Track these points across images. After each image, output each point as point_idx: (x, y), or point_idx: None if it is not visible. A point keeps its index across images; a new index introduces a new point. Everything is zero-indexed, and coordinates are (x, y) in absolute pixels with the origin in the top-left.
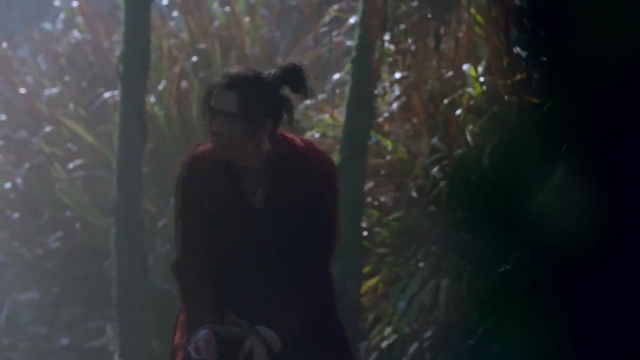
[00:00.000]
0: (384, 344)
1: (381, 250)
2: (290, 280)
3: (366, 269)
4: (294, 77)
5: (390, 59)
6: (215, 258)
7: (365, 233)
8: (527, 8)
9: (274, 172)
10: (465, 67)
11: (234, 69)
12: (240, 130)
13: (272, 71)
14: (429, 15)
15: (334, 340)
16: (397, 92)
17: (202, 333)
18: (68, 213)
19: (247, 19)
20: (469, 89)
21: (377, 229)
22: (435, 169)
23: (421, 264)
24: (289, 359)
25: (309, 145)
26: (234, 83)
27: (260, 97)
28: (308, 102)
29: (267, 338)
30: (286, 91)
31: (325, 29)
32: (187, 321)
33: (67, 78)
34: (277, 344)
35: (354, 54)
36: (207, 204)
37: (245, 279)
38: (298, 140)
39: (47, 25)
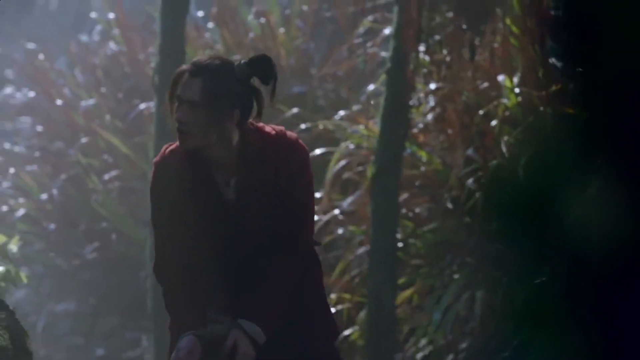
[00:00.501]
0: (419, 356)
1: (416, 261)
2: (271, 269)
3: (401, 281)
4: (263, 68)
5: (425, 70)
6: (194, 255)
7: (400, 244)
8: (563, 18)
9: (244, 161)
10: (501, 78)
11: (202, 57)
12: (204, 119)
13: (242, 61)
14: (464, 26)
15: (320, 321)
16: (432, 103)
17: (184, 342)
18: (104, 224)
19: (282, 30)
20: (504, 100)
21: (411, 240)
22: (470, 180)
23: (456, 275)
24: (276, 347)
25: (280, 133)
26: (199, 71)
27: (225, 85)
28: (342, 112)
29: (249, 332)
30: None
31: (360, 40)
32: (171, 327)
33: (103, 90)
34: (261, 336)
35: (388, 65)
36: (180, 201)
37: (226, 272)
38: (268, 128)
39: (84, 37)
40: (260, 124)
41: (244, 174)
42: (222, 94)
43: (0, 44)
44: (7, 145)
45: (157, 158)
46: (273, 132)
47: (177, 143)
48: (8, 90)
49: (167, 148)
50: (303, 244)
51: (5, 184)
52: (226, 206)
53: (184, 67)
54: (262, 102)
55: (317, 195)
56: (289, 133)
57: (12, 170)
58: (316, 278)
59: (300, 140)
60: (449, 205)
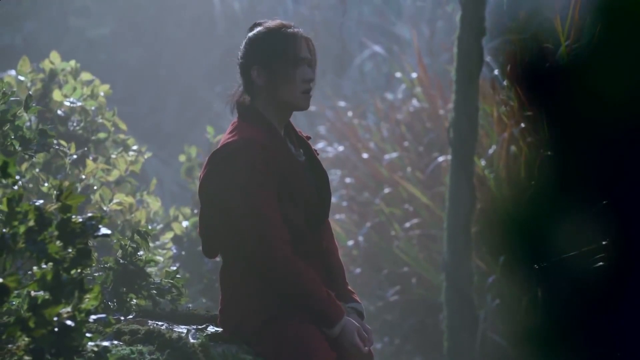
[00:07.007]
0: None
1: None
2: (333, 245)
3: None
4: None
5: None
6: (300, 228)
7: None
8: None
9: (294, 130)
10: None
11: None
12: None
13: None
14: None
15: None
16: None
17: (354, 323)
18: (405, 269)
19: None
20: None
21: None
22: None
23: None
24: None
25: None
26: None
27: None
28: None
29: (363, 312)
30: None
31: None
32: (327, 313)
33: (405, 143)
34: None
35: None
36: (282, 175)
37: (316, 246)
38: None
39: (390, 95)
40: None
41: (302, 142)
42: None
43: (316, 102)
44: None
45: (241, 143)
46: None
47: (234, 136)
48: (320, 144)
49: (236, 141)
50: None
51: None
52: (302, 168)
53: (299, 31)
54: None
55: None
56: None
57: None
58: None
59: None
60: None
